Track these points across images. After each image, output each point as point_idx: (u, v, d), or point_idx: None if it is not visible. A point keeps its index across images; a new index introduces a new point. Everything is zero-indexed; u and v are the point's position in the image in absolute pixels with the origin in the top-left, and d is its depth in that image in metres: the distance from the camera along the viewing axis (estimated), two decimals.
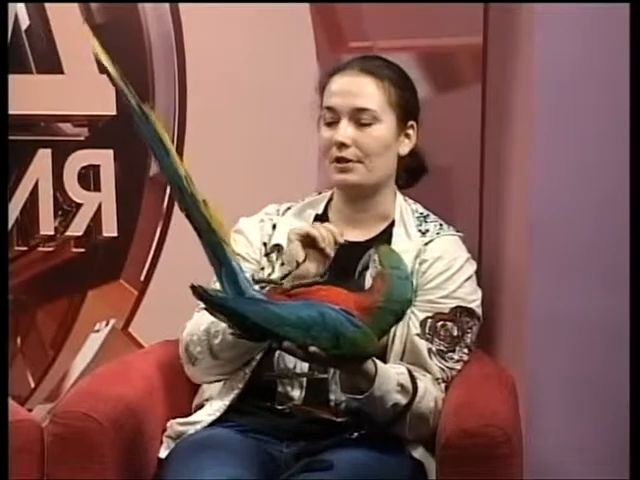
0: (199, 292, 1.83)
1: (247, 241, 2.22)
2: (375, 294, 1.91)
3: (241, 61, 2.61)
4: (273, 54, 2.59)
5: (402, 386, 2.01)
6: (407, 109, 2.21)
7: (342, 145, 2.15)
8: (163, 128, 1.81)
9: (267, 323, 1.83)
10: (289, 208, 2.28)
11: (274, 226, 2.24)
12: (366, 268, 1.95)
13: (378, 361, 1.98)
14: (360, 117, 2.16)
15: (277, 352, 2.08)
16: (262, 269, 2.18)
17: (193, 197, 1.80)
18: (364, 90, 2.17)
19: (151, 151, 1.83)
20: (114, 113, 2.69)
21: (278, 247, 2.18)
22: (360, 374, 1.94)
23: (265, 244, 2.21)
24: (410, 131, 2.22)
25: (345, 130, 2.15)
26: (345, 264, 2.07)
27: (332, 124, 2.18)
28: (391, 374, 2.00)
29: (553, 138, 2.35)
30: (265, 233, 2.22)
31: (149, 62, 2.67)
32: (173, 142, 2.65)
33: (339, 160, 2.17)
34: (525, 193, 2.41)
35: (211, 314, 1.90)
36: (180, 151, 2.66)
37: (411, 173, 2.28)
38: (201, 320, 2.12)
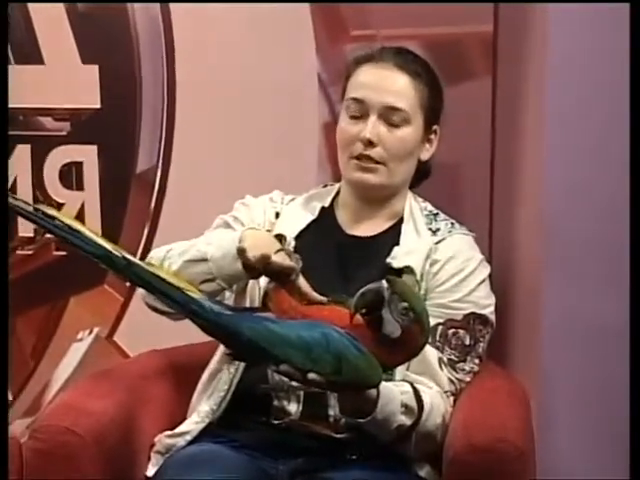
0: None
1: (248, 212, 2.19)
2: (415, 340, 1.80)
3: (239, 53, 2.58)
4: (272, 43, 2.56)
5: (406, 406, 1.95)
6: (434, 112, 2.18)
7: (369, 143, 2.11)
8: (65, 216, 1.82)
9: (265, 342, 1.78)
10: (293, 199, 2.25)
11: (277, 214, 2.21)
12: (377, 308, 1.77)
13: None
14: (391, 116, 2.12)
15: None
16: None
17: (127, 260, 1.80)
18: (398, 88, 2.12)
19: (70, 245, 1.83)
20: (98, 106, 2.67)
21: (281, 237, 2.12)
22: (361, 397, 1.88)
23: (269, 231, 2.15)
24: (432, 136, 2.20)
25: (374, 127, 2.11)
26: (349, 258, 2.11)
27: (358, 117, 2.13)
28: (395, 394, 1.94)
29: (566, 132, 2.30)
30: (267, 217, 2.19)
31: (137, 58, 2.64)
32: (162, 138, 2.65)
33: (362, 158, 2.12)
34: (538, 190, 2.38)
35: (205, 331, 1.84)
36: (178, 150, 2.65)
37: (416, 176, 2.24)
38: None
